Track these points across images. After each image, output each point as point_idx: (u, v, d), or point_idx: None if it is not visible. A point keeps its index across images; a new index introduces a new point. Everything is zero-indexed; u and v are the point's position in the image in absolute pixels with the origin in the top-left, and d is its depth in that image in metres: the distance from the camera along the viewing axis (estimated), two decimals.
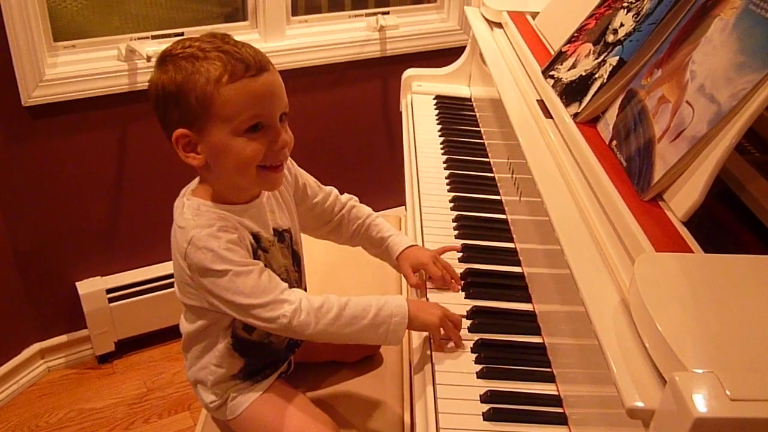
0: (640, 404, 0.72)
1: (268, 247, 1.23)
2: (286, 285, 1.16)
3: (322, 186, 1.41)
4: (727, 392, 0.64)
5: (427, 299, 1.29)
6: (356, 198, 1.45)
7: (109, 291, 2.22)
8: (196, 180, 1.23)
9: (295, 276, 1.31)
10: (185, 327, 1.28)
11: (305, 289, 1.37)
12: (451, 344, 1.17)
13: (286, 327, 1.13)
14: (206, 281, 1.13)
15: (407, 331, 1.20)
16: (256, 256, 1.19)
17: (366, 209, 1.44)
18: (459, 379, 1.11)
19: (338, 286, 1.66)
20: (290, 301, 1.13)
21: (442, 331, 1.18)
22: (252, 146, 1.11)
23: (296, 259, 1.32)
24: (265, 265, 1.18)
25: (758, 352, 0.70)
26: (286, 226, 1.29)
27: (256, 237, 1.20)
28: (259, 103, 1.10)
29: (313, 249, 1.75)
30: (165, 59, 1.12)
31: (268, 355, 1.30)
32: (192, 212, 1.16)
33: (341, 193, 1.44)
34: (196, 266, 1.13)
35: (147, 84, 1.17)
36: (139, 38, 2.10)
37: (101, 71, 2.02)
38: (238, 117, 1.09)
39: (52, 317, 2.25)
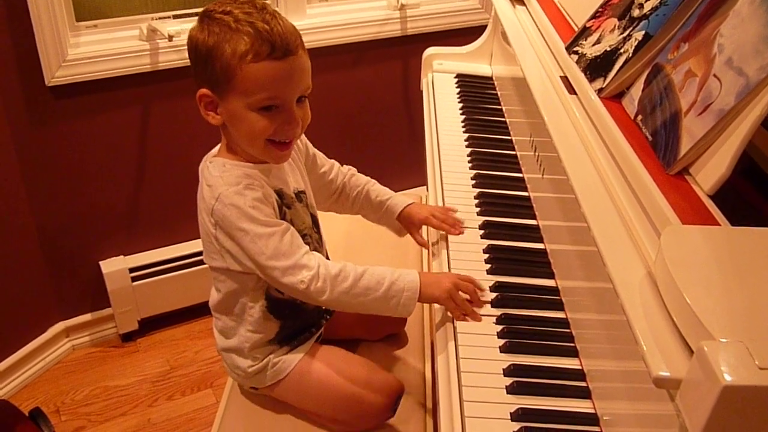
0: (666, 374, 0.72)
1: (291, 203, 1.27)
2: (307, 248, 1.19)
3: (325, 158, 1.46)
4: (756, 361, 0.64)
5: (450, 265, 1.30)
6: (354, 169, 1.50)
7: (132, 270, 2.25)
8: (216, 148, 1.28)
9: (316, 237, 1.35)
10: (216, 297, 1.30)
11: (326, 254, 1.41)
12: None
13: (303, 292, 1.17)
14: (230, 241, 1.17)
15: (429, 307, 1.21)
16: (281, 213, 1.23)
17: (364, 177, 1.49)
18: (482, 353, 1.11)
19: (358, 263, 1.67)
20: (309, 267, 1.16)
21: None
22: (263, 122, 1.16)
23: (315, 221, 1.36)
24: (291, 222, 1.22)
25: None
26: (302, 187, 1.33)
27: (279, 193, 1.25)
28: (276, 87, 1.14)
29: (334, 227, 1.77)
30: (204, 16, 1.17)
31: (302, 317, 1.32)
32: (218, 170, 1.20)
33: (347, 171, 1.49)
34: (221, 223, 1.17)
35: (177, 53, 1.19)
36: (160, 18, 2.11)
37: (123, 51, 2.03)
38: (255, 95, 1.14)
39: (76, 296, 2.28)
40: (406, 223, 1.45)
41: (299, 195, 1.31)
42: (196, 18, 1.19)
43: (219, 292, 1.29)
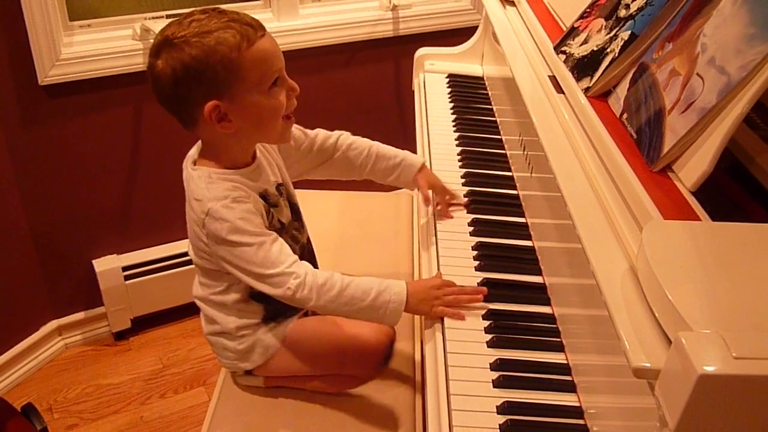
0: (646, 364, 0.74)
1: (276, 201, 1.30)
2: (295, 257, 1.21)
3: (308, 131, 1.46)
4: (732, 351, 0.66)
5: (439, 262, 1.32)
6: (347, 133, 1.50)
7: (125, 269, 2.25)
8: (195, 149, 1.28)
9: (296, 225, 1.38)
10: (199, 289, 1.33)
11: (307, 237, 1.43)
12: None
13: (290, 298, 1.20)
14: (222, 249, 1.19)
15: None
16: (269, 215, 1.26)
17: (364, 141, 1.50)
18: (469, 348, 1.13)
19: (349, 263, 1.68)
20: (297, 275, 1.19)
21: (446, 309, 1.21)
22: (276, 99, 1.20)
23: (294, 209, 1.38)
24: (279, 223, 1.26)
25: (762, 314, 0.72)
26: (280, 180, 1.35)
27: (264, 196, 1.27)
28: (274, 60, 1.19)
29: (324, 226, 1.78)
30: (171, 43, 1.14)
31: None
32: (205, 182, 1.21)
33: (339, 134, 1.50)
34: (213, 236, 1.18)
35: (149, 75, 1.18)
36: (153, 17, 2.12)
37: (116, 50, 2.04)
38: (264, 75, 1.18)
39: (69, 295, 2.28)
40: (423, 179, 1.48)
41: (279, 188, 1.34)
42: (149, 55, 1.17)
43: (203, 285, 1.33)
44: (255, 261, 1.18)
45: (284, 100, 1.21)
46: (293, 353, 1.33)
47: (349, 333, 1.33)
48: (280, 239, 1.22)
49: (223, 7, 1.21)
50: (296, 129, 1.43)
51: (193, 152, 1.29)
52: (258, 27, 1.18)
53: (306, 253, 1.42)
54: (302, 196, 1.45)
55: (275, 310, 1.33)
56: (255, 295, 1.30)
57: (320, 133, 1.47)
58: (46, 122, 2.02)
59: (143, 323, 2.38)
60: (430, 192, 1.47)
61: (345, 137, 1.49)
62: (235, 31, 1.14)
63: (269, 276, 1.18)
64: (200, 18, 1.15)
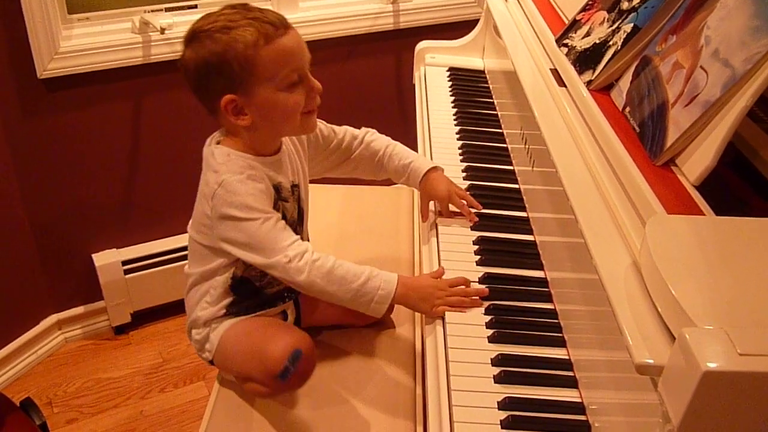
0: (649, 360, 0.73)
1: (287, 197, 1.31)
2: (297, 237, 1.23)
3: (336, 129, 1.47)
4: (736, 347, 0.65)
5: (440, 256, 1.31)
6: (373, 131, 1.50)
7: (125, 263, 2.24)
8: (219, 132, 1.30)
9: (299, 229, 1.37)
10: (191, 269, 1.34)
11: (307, 239, 1.43)
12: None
13: (283, 268, 1.20)
14: (225, 225, 1.21)
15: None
16: (276, 207, 1.27)
17: (383, 141, 1.49)
18: (470, 343, 1.12)
19: (350, 257, 1.63)
20: (294, 247, 1.20)
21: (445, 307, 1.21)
22: (294, 98, 1.22)
23: (300, 214, 1.38)
24: (283, 215, 1.26)
25: (766, 309, 0.71)
26: (297, 181, 1.36)
27: (277, 188, 1.28)
28: (294, 59, 1.21)
29: (326, 221, 1.77)
30: (197, 36, 1.20)
31: (256, 297, 1.35)
32: (223, 158, 1.24)
33: (363, 134, 1.50)
34: (220, 207, 1.20)
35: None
36: (152, 10, 2.10)
37: (115, 44, 2.02)
38: (280, 74, 1.19)
39: (68, 289, 2.28)
40: (424, 189, 1.45)
41: (293, 188, 1.34)
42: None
43: (194, 262, 1.33)
44: (257, 235, 1.19)
45: (302, 99, 1.23)
46: (226, 351, 1.33)
47: (256, 344, 1.27)
48: (284, 222, 1.23)
49: (252, 3, 1.23)
50: (324, 127, 1.45)
51: (217, 134, 1.31)
52: (280, 25, 1.19)
53: None
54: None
55: (242, 307, 1.33)
56: (235, 287, 1.31)
57: (348, 132, 1.48)
58: (45, 116, 2.01)
59: (143, 317, 2.37)
60: (431, 204, 1.46)
61: (369, 135, 1.49)
62: (254, 28, 1.16)
63: (269, 249, 1.20)
64: (227, 13, 1.20)
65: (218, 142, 1.28)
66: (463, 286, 1.23)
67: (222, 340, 1.32)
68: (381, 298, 1.23)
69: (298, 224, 1.37)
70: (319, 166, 1.47)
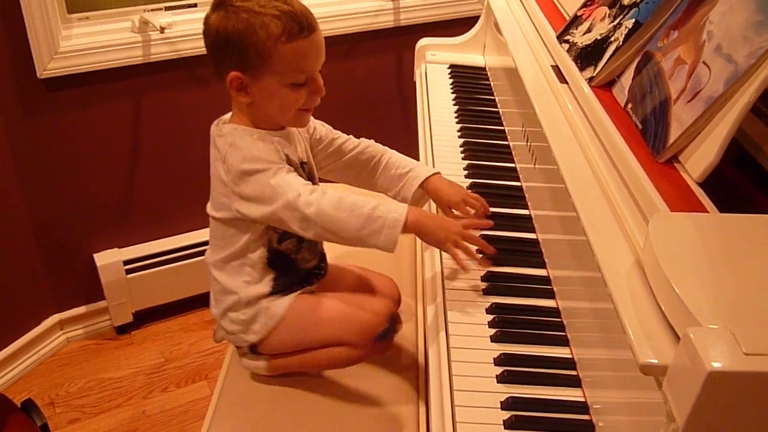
0: (653, 360, 0.73)
1: (296, 169, 1.30)
2: (309, 182, 1.25)
3: (336, 133, 1.47)
4: (742, 347, 0.64)
5: (441, 254, 1.31)
6: (372, 141, 1.48)
7: (126, 263, 2.24)
8: (229, 114, 1.32)
9: None
10: (214, 252, 1.34)
11: None
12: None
13: (293, 204, 1.19)
14: (239, 182, 1.23)
15: (421, 298, 1.22)
16: None
17: (378, 148, 1.46)
18: (473, 343, 1.11)
19: (352, 256, 1.66)
20: (304, 186, 1.22)
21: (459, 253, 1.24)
22: (295, 96, 1.24)
23: None
24: None
25: None
26: (305, 159, 1.37)
27: (287, 159, 1.29)
28: (308, 64, 1.24)
29: None
30: (225, 5, 1.21)
31: (295, 272, 1.35)
32: (232, 128, 1.27)
33: (360, 141, 1.48)
34: (233, 166, 1.22)
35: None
36: (152, 9, 2.10)
37: (115, 43, 2.02)
38: (289, 73, 1.22)
39: (70, 289, 2.27)
40: (437, 196, 1.39)
41: (303, 165, 1.35)
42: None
43: (218, 246, 1.33)
44: (269, 184, 1.21)
45: (302, 97, 1.25)
46: (296, 324, 1.32)
47: (350, 304, 1.34)
48: (295, 173, 1.25)
49: None
50: (323, 126, 1.45)
51: (226, 117, 1.33)
52: (307, 27, 1.21)
53: (315, 246, 1.41)
54: None
55: (285, 282, 1.33)
56: (272, 262, 1.31)
57: (350, 140, 1.46)
58: (45, 115, 2.00)
59: (145, 317, 2.37)
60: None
61: (365, 143, 1.46)
62: (281, 22, 1.18)
63: (280, 193, 1.20)
64: None
65: (226, 121, 1.31)
66: (475, 233, 1.27)
67: (289, 314, 1.32)
68: (393, 222, 1.18)
69: None
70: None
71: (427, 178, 1.39)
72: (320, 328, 1.33)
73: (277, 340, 1.33)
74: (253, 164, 1.21)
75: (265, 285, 1.32)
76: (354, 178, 1.48)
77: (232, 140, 1.24)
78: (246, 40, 1.19)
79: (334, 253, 1.46)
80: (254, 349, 1.36)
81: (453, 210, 1.37)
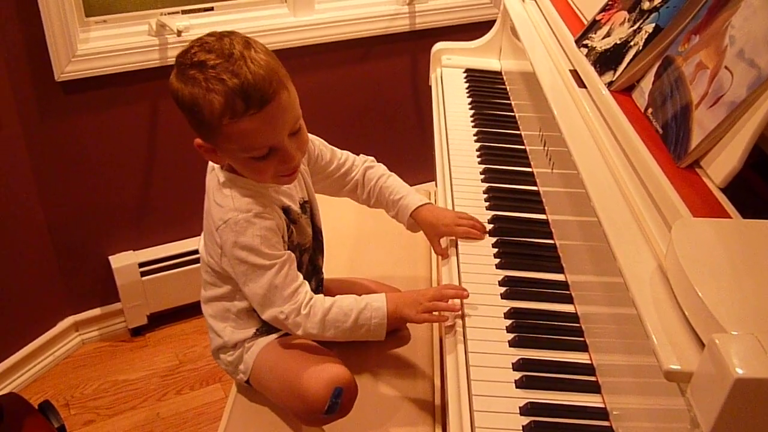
0: (678, 367, 0.72)
1: (297, 218, 1.28)
2: (299, 281, 1.21)
3: (336, 151, 1.43)
4: (767, 353, 0.64)
5: (459, 260, 1.30)
6: (372, 159, 1.47)
7: (141, 265, 2.25)
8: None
9: (314, 245, 1.37)
10: (204, 293, 1.33)
11: (323, 260, 1.42)
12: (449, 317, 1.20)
13: (281, 322, 1.20)
14: (229, 260, 1.20)
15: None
16: (288, 231, 1.25)
17: (379, 171, 1.45)
18: (491, 348, 1.11)
19: (366, 263, 1.67)
20: (293, 302, 1.19)
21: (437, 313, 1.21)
22: (262, 165, 1.16)
23: (315, 230, 1.37)
24: (295, 244, 1.25)
25: None
26: (306, 197, 1.33)
27: (286, 211, 1.25)
28: (263, 137, 1.12)
29: (343, 221, 1.76)
30: (178, 65, 1.14)
31: None
32: (229, 189, 1.20)
33: (362, 163, 1.46)
34: (228, 247, 1.18)
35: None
36: (169, 13, 2.11)
37: (132, 46, 2.03)
38: (245, 148, 1.13)
39: (85, 291, 2.28)
40: (427, 229, 1.39)
41: (304, 206, 1.32)
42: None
43: (208, 283, 1.32)
44: (259, 283, 1.18)
45: (271, 167, 1.16)
46: (263, 377, 1.31)
47: (294, 378, 1.23)
48: (289, 263, 1.21)
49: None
50: (326, 148, 1.41)
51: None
52: (257, 102, 1.08)
53: (315, 274, 1.41)
54: (319, 195, 1.43)
55: (270, 327, 1.31)
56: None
57: (349, 158, 1.44)
58: (62, 118, 2.02)
59: (160, 319, 2.38)
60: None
61: (367, 163, 1.45)
62: (224, 99, 1.07)
63: (269, 301, 1.19)
64: (211, 61, 1.09)
65: (222, 168, 1.24)
66: (440, 301, 1.21)
67: (256, 363, 1.30)
68: (376, 326, 1.22)
69: (314, 243, 1.36)
70: (317, 186, 1.42)
71: (416, 209, 1.39)
72: (272, 389, 1.30)
73: (257, 385, 1.33)
74: (246, 255, 1.17)
75: (250, 331, 1.32)
76: (353, 197, 1.48)
77: (229, 218, 1.17)
78: (194, 113, 1.12)
79: (341, 267, 1.45)
80: (249, 382, 1.36)
81: (451, 236, 1.36)
